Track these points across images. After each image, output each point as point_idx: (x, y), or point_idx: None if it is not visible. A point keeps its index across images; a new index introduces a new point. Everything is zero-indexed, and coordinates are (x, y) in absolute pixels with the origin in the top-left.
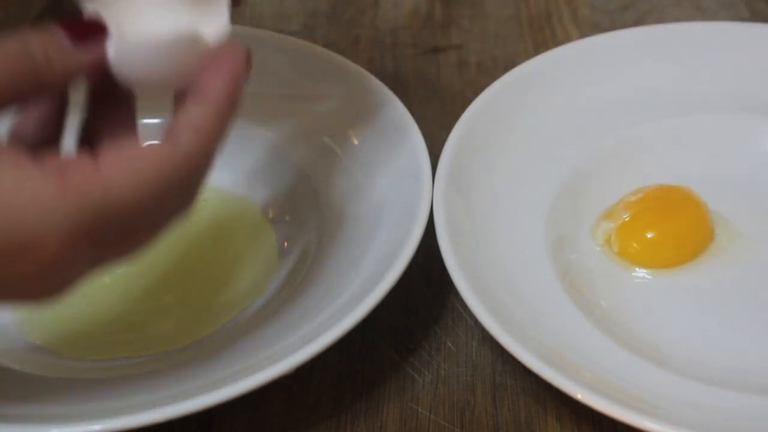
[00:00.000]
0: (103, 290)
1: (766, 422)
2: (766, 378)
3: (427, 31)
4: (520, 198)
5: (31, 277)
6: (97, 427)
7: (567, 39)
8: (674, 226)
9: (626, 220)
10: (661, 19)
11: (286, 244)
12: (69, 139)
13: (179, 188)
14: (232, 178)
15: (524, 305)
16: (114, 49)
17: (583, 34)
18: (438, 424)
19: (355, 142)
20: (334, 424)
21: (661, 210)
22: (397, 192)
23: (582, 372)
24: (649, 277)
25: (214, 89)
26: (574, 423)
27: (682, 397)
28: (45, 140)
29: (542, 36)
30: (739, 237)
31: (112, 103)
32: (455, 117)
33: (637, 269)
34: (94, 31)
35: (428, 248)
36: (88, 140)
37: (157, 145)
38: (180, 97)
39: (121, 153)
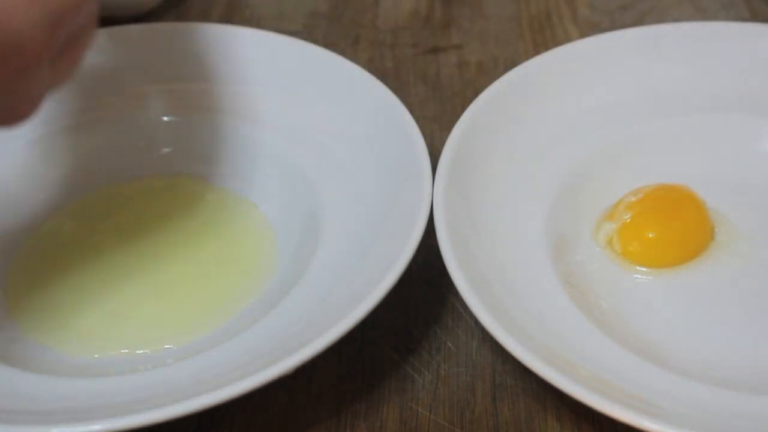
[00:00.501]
0: (103, 289)
1: (766, 422)
2: (766, 378)
3: (427, 31)
4: (520, 198)
5: (16, 86)
6: (97, 427)
7: (567, 39)
8: (676, 225)
9: (628, 220)
10: (661, 19)
11: (285, 244)
12: None
13: None
14: (232, 178)
15: (524, 305)
16: None
17: (583, 34)
18: (438, 424)
19: (355, 141)
20: (334, 424)
21: (663, 209)
22: (397, 192)
23: (582, 372)
24: (649, 277)
25: None
26: (574, 423)
27: (682, 397)
28: None
29: (542, 36)
30: (739, 237)
31: None
32: (455, 117)
33: (637, 270)
34: None
35: (428, 248)
36: None
37: None
38: None
39: None
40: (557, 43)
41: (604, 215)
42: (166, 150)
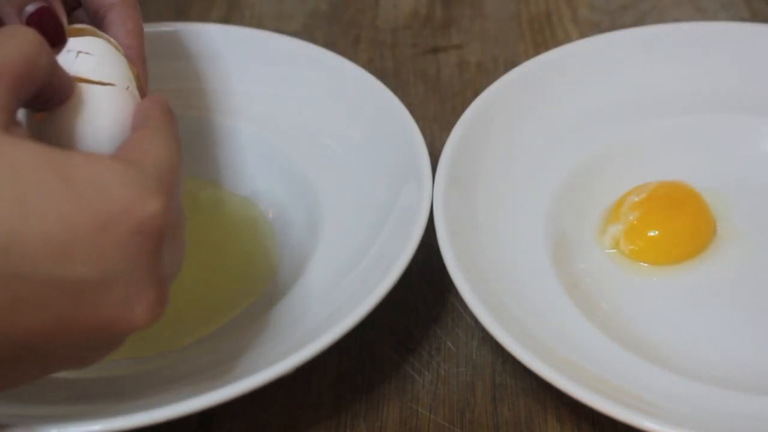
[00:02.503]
0: None
1: (766, 422)
2: (766, 378)
3: (427, 31)
4: (520, 197)
5: (140, 256)
6: (97, 427)
7: (567, 39)
8: (683, 221)
9: (634, 220)
10: (661, 20)
11: (286, 244)
12: None
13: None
14: (232, 177)
15: (524, 305)
16: None
17: (583, 34)
18: (438, 424)
19: (355, 142)
20: (334, 424)
21: (668, 207)
22: (397, 192)
23: (582, 372)
24: (650, 278)
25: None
26: (574, 423)
27: (682, 397)
28: None
29: (542, 36)
30: (739, 237)
31: None
32: (455, 117)
33: (639, 269)
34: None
35: (428, 248)
36: None
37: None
38: None
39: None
40: (557, 43)
41: (607, 216)
42: None
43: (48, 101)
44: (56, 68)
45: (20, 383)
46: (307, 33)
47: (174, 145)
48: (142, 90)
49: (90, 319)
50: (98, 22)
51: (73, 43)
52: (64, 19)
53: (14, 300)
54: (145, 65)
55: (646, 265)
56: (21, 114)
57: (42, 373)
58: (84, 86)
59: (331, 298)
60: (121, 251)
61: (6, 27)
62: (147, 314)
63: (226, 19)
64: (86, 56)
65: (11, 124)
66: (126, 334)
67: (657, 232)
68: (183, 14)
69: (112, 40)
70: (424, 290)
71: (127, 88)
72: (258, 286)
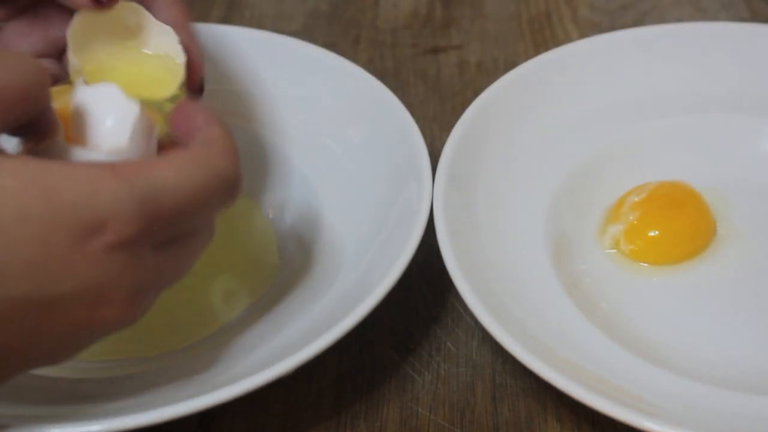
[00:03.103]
0: None
1: (766, 422)
2: (766, 378)
3: (427, 31)
4: (520, 198)
5: (113, 267)
6: (97, 427)
7: (567, 39)
8: (683, 221)
9: (634, 220)
10: (661, 20)
11: (286, 244)
12: None
13: (216, 187)
14: None
15: (524, 305)
16: None
17: (583, 34)
18: (438, 424)
19: (355, 142)
20: (334, 424)
21: (668, 206)
22: (397, 192)
23: (582, 372)
24: (650, 278)
25: (214, 117)
26: (574, 423)
27: (682, 397)
28: None
29: (542, 36)
30: (739, 237)
31: None
32: (455, 117)
33: (640, 269)
34: None
35: (428, 248)
36: None
37: (187, 149)
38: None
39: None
40: (557, 43)
41: (607, 216)
42: None
43: (34, 134)
44: (49, 103)
45: None
46: (307, 33)
47: (200, 175)
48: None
49: (61, 325)
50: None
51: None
52: None
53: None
54: (196, 49)
55: (646, 265)
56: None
57: (11, 374)
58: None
59: (331, 298)
60: (93, 264)
61: (13, 53)
62: (115, 316)
63: (226, 19)
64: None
65: None
66: (96, 333)
67: (657, 232)
68: None
69: (163, 25)
70: (424, 290)
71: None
72: (258, 286)
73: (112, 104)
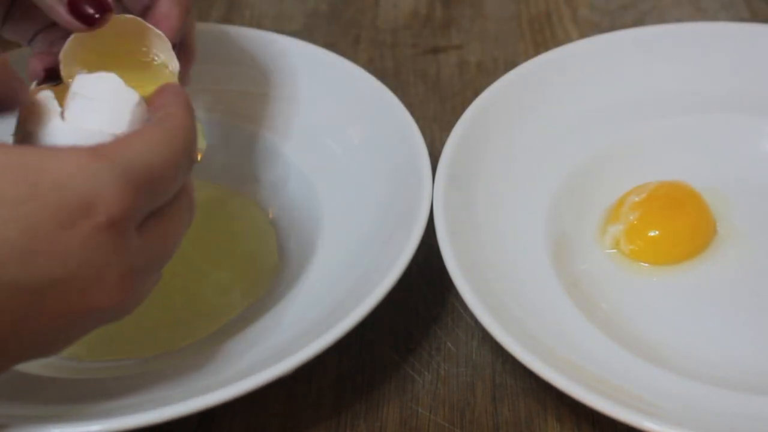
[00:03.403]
0: None
1: (766, 422)
2: (766, 378)
3: (427, 31)
4: (520, 198)
5: (102, 248)
6: (97, 427)
7: (567, 39)
8: (683, 221)
9: (634, 220)
10: (661, 20)
11: (286, 244)
12: None
13: (185, 155)
14: (232, 178)
15: (524, 305)
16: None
17: (583, 34)
18: (438, 424)
19: (355, 142)
20: (334, 424)
21: (668, 206)
22: (397, 192)
23: (582, 372)
24: (650, 278)
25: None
26: (574, 423)
27: (682, 397)
28: None
29: (542, 36)
30: (739, 237)
31: None
32: (455, 117)
33: (640, 269)
34: None
35: (428, 248)
36: None
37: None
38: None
39: (128, 135)
40: (557, 43)
41: (607, 216)
42: None
43: None
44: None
45: None
46: (307, 33)
47: (165, 144)
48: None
49: (53, 309)
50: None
51: (80, 85)
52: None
53: None
54: (190, 54)
55: (646, 265)
56: None
57: (6, 366)
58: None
59: (331, 298)
60: (82, 246)
61: None
62: (107, 299)
63: (226, 19)
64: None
65: None
66: (91, 321)
67: (657, 232)
68: None
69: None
70: (424, 290)
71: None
72: (258, 286)
73: (111, 91)
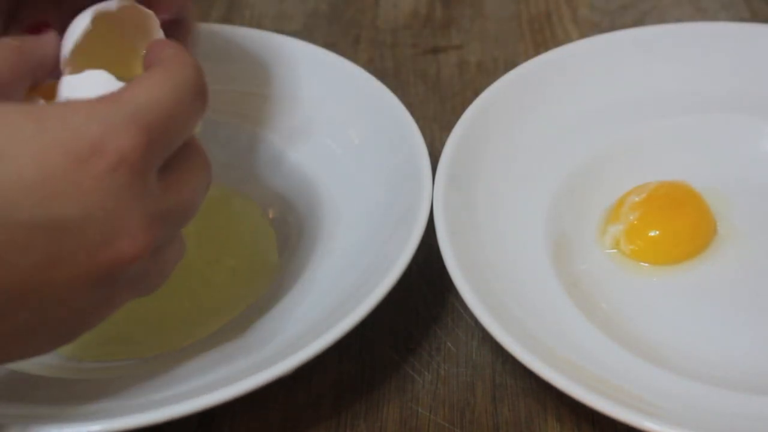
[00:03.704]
0: None
1: (766, 422)
2: (766, 378)
3: (427, 31)
4: (520, 198)
5: (119, 190)
6: (97, 427)
7: (567, 39)
8: (683, 221)
9: (634, 220)
10: (661, 20)
11: (286, 244)
12: None
13: (186, 94)
14: (232, 178)
15: (524, 305)
16: None
17: (583, 34)
18: (438, 424)
19: (355, 142)
20: (334, 424)
21: (668, 206)
22: (397, 192)
23: (582, 372)
24: (650, 278)
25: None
26: (574, 423)
27: (682, 397)
28: None
29: (542, 36)
30: (739, 237)
31: None
32: (455, 117)
33: (640, 269)
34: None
35: (428, 248)
36: None
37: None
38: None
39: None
40: (557, 43)
41: (607, 216)
42: None
43: None
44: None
45: (28, 351)
46: (307, 33)
47: (171, 84)
48: None
49: (75, 255)
50: None
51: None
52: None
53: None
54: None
55: (646, 265)
56: None
57: (49, 335)
58: None
59: (331, 298)
60: (98, 186)
61: None
62: (131, 246)
63: (226, 19)
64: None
65: None
66: (117, 280)
67: (657, 232)
68: None
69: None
70: (424, 290)
71: None
72: (258, 286)
73: (101, 86)
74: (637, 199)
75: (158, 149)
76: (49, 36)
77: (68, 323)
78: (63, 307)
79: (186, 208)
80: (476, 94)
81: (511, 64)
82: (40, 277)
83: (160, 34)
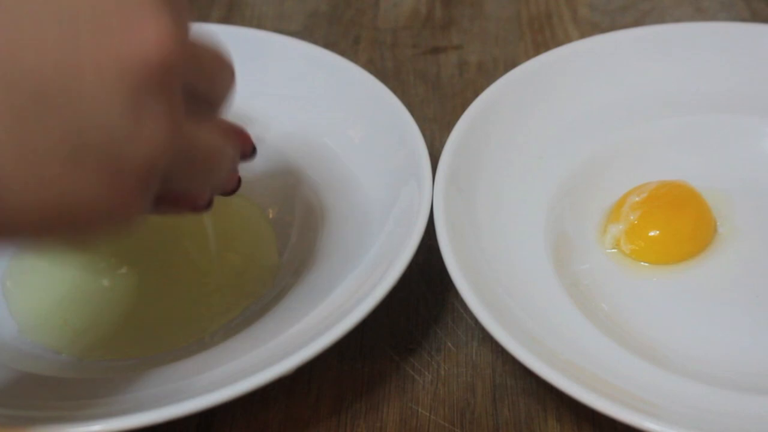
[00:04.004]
0: (104, 292)
1: (766, 422)
2: (766, 378)
3: (427, 31)
4: (520, 198)
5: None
6: (97, 427)
7: (567, 39)
8: (684, 220)
9: (635, 220)
10: (661, 20)
11: (286, 243)
12: None
13: (226, 61)
14: None
15: (525, 305)
16: None
17: (583, 34)
18: (438, 424)
19: (355, 142)
20: (334, 424)
21: (669, 206)
22: (397, 192)
23: (582, 372)
24: (650, 278)
25: None
26: (574, 423)
27: (682, 397)
28: None
29: (542, 36)
30: (739, 237)
31: None
32: (455, 117)
33: (641, 269)
34: None
35: (428, 248)
36: None
37: None
38: None
39: None
40: (557, 43)
41: (607, 216)
42: None
43: None
44: None
45: (67, 191)
46: (307, 33)
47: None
48: None
49: (96, 51)
50: None
51: None
52: None
53: (9, 37)
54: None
55: (646, 265)
56: None
57: (83, 174)
58: None
59: (331, 298)
60: None
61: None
62: (157, 36)
63: (226, 19)
64: None
65: None
66: (143, 66)
67: (658, 232)
68: None
69: None
70: (424, 290)
71: None
72: (258, 286)
73: None
74: (637, 198)
75: (186, 70)
76: None
77: (116, 144)
78: (101, 117)
79: (211, 153)
80: (476, 94)
81: (511, 64)
82: (59, 76)
83: None
